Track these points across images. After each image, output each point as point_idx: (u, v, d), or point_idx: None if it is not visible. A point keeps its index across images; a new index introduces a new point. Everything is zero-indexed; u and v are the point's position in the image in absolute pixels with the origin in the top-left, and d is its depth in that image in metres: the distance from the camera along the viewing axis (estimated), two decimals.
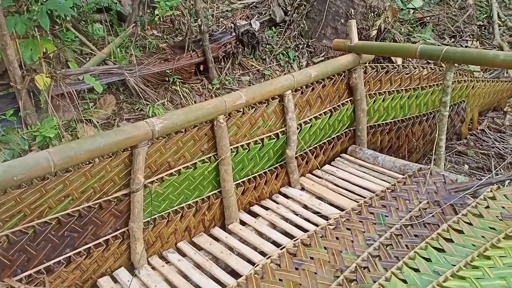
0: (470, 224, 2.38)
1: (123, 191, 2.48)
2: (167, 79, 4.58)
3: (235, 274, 2.53)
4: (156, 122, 2.38)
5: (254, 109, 2.94)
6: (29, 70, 3.70)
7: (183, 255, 2.71)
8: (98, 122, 4.01)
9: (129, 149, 2.41)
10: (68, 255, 2.37)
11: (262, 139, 3.06)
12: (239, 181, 3.02)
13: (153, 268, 2.61)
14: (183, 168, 2.70)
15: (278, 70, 5.22)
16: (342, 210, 2.91)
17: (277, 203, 3.15)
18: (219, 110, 2.66)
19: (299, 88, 3.16)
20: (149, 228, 2.65)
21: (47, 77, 3.54)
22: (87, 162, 2.30)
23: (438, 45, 5.74)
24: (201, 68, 4.87)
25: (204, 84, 4.89)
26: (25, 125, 3.64)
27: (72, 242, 2.38)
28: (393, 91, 3.63)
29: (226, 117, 2.78)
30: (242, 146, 2.95)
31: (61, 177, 2.23)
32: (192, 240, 2.85)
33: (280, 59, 5.25)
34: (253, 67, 5.15)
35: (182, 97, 4.68)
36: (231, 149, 2.85)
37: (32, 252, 2.24)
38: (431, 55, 3.17)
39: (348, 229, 2.55)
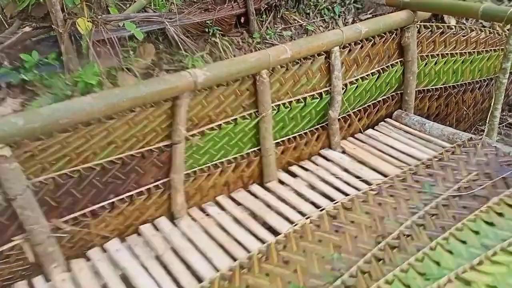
0: None
1: (165, 142, 2.47)
2: (207, 30, 4.44)
3: (273, 231, 2.52)
4: (199, 73, 2.31)
5: (298, 65, 2.83)
6: (70, 13, 3.64)
7: (223, 208, 2.72)
8: (138, 71, 3.98)
9: (171, 100, 2.37)
10: (111, 201, 2.42)
11: (304, 98, 2.96)
12: (279, 140, 2.96)
13: (193, 219, 2.64)
14: (223, 123, 2.66)
15: (322, 26, 4.98)
16: (385, 176, 2.83)
17: (317, 165, 3.09)
18: (263, 64, 2.56)
19: (347, 45, 3.00)
20: (190, 180, 2.65)
21: (88, 21, 3.49)
22: (130, 111, 2.29)
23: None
24: (242, 20, 4.70)
25: (244, 37, 4.74)
26: (67, 70, 3.65)
27: (115, 189, 2.41)
28: (447, 54, 3.42)
29: (270, 72, 2.68)
30: (283, 104, 2.87)
31: (105, 124, 2.23)
32: (230, 195, 2.85)
33: (324, 14, 5.00)
34: (296, 21, 4.93)
35: (222, 50, 4.57)
36: (272, 106, 2.77)
37: (78, 196, 2.29)
38: (494, 16, 2.92)
39: (391, 195, 2.48)
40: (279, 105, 2.85)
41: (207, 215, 2.67)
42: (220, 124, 2.66)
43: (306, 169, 3.04)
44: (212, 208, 2.71)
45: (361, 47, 3.08)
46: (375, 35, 3.08)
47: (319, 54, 2.89)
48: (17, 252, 2.15)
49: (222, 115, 2.64)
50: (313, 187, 2.88)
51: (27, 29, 3.64)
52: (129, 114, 2.28)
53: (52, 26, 3.56)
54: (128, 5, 4.65)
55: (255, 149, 2.87)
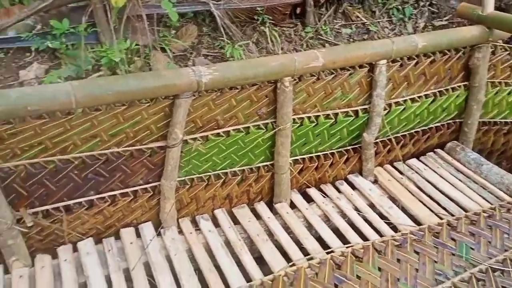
0: None
1: (159, 143, 2.17)
2: (256, 17, 4.07)
3: (264, 264, 2.16)
4: (204, 73, 1.96)
5: (333, 75, 2.38)
6: None
7: (217, 225, 2.39)
8: (173, 53, 3.71)
9: (171, 97, 2.04)
10: (90, 198, 2.18)
11: (336, 114, 2.51)
12: (298, 157, 2.55)
13: (180, 232, 2.34)
14: (233, 130, 2.30)
15: (387, 28, 4.41)
16: (416, 223, 2.34)
17: (340, 191, 2.64)
18: (286, 71, 2.14)
19: (399, 59, 2.48)
20: (185, 188, 2.35)
21: None
22: (121, 104, 2.00)
23: None
24: (298, 11, 4.26)
25: (297, 30, 4.30)
26: (98, 42, 3.46)
27: (96, 186, 2.17)
28: None
29: (294, 80, 2.26)
30: (308, 118, 2.44)
31: (88, 115, 1.96)
32: (231, 209, 2.51)
33: (393, 14, 4.41)
34: (358, 19, 4.40)
35: (270, 41, 4.18)
36: (294, 119, 2.36)
37: (52, 188, 2.07)
38: None
39: (416, 252, 2.01)
40: (302, 118, 2.44)
41: (197, 229, 2.35)
42: (229, 131, 2.30)
43: (325, 195, 2.61)
44: (205, 222, 2.38)
45: (416, 63, 2.54)
46: (435, 51, 2.52)
47: (360, 66, 2.42)
48: None
49: (232, 121, 2.29)
50: (327, 219, 2.45)
51: None
52: (119, 107, 2.00)
53: None
54: None
55: (268, 163, 2.49)
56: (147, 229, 2.32)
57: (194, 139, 2.24)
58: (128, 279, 2.06)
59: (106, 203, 2.20)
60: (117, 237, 2.29)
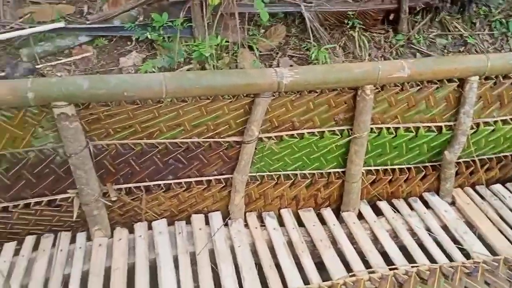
0: None
1: (236, 138, 2.26)
2: (346, 21, 4.02)
3: (324, 269, 2.16)
4: (286, 74, 2.01)
5: (418, 88, 2.29)
6: None
7: (281, 224, 2.44)
8: (259, 51, 3.81)
9: (252, 96, 2.12)
10: (169, 181, 2.34)
11: (417, 128, 2.41)
12: (372, 168, 2.50)
13: (246, 225, 2.42)
14: (307, 133, 2.32)
15: (487, 41, 4.11)
16: (492, 253, 2.18)
17: (412, 209, 2.55)
18: (369, 79, 2.11)
19: (493, 76, 2.32)
20: (255, 184, 2.42)
21: None
22: (206, 98, 2.11)
23: None
24: (391, 18, 4.13)
25: (388, 36, 4.17)
26: (192, 37, 3.66)
27: (175, 171, 2.32)
28: None
29: (377, 88, 2.22)
30: (387, 129, 2.38)
31: (176, 105, 2.10)
32: (297, 211, 2.53)
33: (495, 28, 4.09)
34: (456, 29, 4.15)
35: (357, 46, 4.11)
36: (371, 128, 2.32)
37: (136, 168, 2.25)
38: None
39: (487, 283, 1.91)
40: (381, 128, 2.38)
41: (262, 225, 2.41)
42: (303, 134, 2.33)
43: (396, 210, 2.53)
44: (271, 220, 2.44)
45: None
46: None
47: (449, 80, 2.30)
48: (68, 204, 2.22)
49: (307, 124, 2.31)
50: (395, 235, 2.38)
51: None
52: (203, 100, 2.12)
53: None
54: None
55: (339, 170, 2.48)
56: (216, 218, 2.43)
57: (269, 137, 2.30)
58: (193, 263, 2.18)
59: (182, 188, 2.35)
60: (188, 221, 2.43)
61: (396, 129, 2.40)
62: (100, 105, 2.01)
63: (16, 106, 1.89)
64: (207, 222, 2.43)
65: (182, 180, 2.34)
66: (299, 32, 4.20)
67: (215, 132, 2.23)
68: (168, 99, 2.07)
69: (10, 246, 2.22)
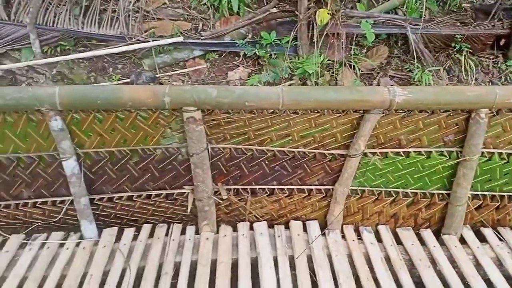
0: None
1: (341, 151, 2.35)
2: (453, 45, 3.95)
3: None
4: (399, 93, 2.07)
5: None
6: (316, 2, 3.78)
7: (378, 240, 2.46)
8: (360, 71, 3.88)
9: (362, 112, 2.21)
10: (272, 187, 2.49)
11: None
12: (479, 192, 2.44)
13: (343, 237, 2.49)
14: (414, 151, 2.34)
15: None
16: None
17: None
18: (484, 102, 2.09)
19: None
20: (355, 198, 2.49)
21: (328, 13, 3.55)
22: (316, 111, 2.24)
23: None
24: (501, 43, 3.98)
25: (497, 62, 4.02)
26: (296, 54, 3.85)
27: (279, 178, 2.47)
28: None
29: (491, 112, 2.18)
30: (499, 154, 2.32)
31: (288, 116, 2.25)
32: (395, 229, 2.54)
33: None
34: None
35: (463, 70, 4.00)
36: (482, 152, 2.27)
37: (245, 172, 2.44)
38: None
39: None
40: (493, 153, 2.33)
41: (359, 239, 2.46)
42: (409, 152, 2.35)
43: (502, 238, 2.43)
44: (368, 234, 2.48)
45: None
46: None
47: None
48: (183, 198, 2.47)
49: (414, 142, 2.33)
50: (499, 263, 2.29)
51: (274, 10, 3.98)
52: (313, 113, 2.25)
53: (296, 11, 3.79)
54: (381, 3, 4.53)
55: (443, 192, 2.45)
56: (313, 226, 2.53)
57: (374, 153, 2.36)
58: (291, 266, 2.29)
59: (284, 194, 2.49)
60: (286, 226, 2.56)
61: (509, 155, 2.32)
62: (222, 112, 2.22)
63: (152, 108, 2.17)
64: (304, 229, 2.53)
65: (285, 187, 2.48)
66: (402, 53, 4.21)
67: (320, 144, 2.35)
68: (282, 110, 2.23)
69: (129, 232, 2.51)
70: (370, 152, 2.35)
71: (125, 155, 2.33)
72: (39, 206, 2.44)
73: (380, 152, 2.35)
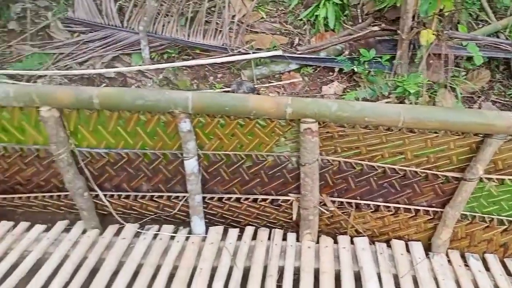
0: None
1: (455, 174, 2.32)
2: None
3: None
4: None
5: None
6: (419, 23, 3.76)
7: (486, 268, 2.39)
8: (461, 94, 3.79)
9: (482, 136, 2.17)
10: (378, 203, 2.51)
11: None
12: None
13: (449, 261, 2.44)
14: None
15: None
16: None
17: None
18: None
19: None
20: (464, 223, 2.44)
21: (432, 34, 3.52)
22: (434, 132, 2.24)
23: None
24: None
25: None
26: (394, 73, 3.84)
27: (386, 195, 2.48)
28: None
29: None
30: None
31: (403, 134, 2.26)
32: (503, 259, 2.46)
33: None
34: None
35: None
36: None
37: (352, 185, 2.48)
38: None
39: None
40: None
41: (466, 265, 2.40)
42: None
43: None
44: (475, 262, 2.42)
45: None
46: None
47: None
48: (287, 205, 2.56)
49: None
50: None
51: (375, 28, 4.01)
52: (430, 133, 2.24)
53: (397, 30, 3.79)
54: (481, 26, 4.42)
55: None
56: (417, 247, 2.51)
57: (489, 179, 2.30)
58: (395, 284, 2.29)
59: (390, 212, 2.50)
60: (388, 244, 2.56)
61: None
62: (337, 125, 2.29)
63: (272, 118, 2.28)
64: (407, 249, 2.52)
65: (391, 205, 2.49)
66: (504, 78, 4.06)
67: (434, 164, 2.33)
68: (398, 128, 2.25)
69: (234, 232, 2.64)
70: (486, 178, 2.30)
71: (239, 159, 2.46)
72: (155, 199, 2.64)
73: (496, 179, 2.30)
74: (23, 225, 2.73)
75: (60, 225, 2.73)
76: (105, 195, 2.63)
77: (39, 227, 2.71)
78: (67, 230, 2.70)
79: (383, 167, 2.38)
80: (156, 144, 2.45)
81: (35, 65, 4.11)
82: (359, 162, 2.40)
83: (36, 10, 4.81)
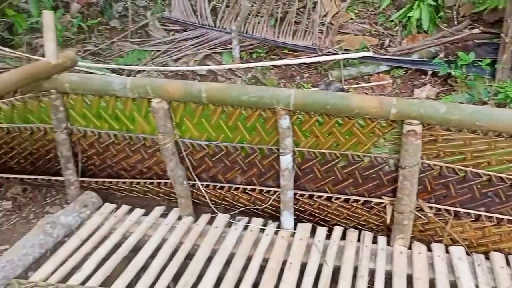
0: None
1: None
2: None
3: None
4: None
5: None
6: None
7: None
8: None
9: None
10: (479, 213, 2.39)
11: None
12: None
13: None
14: None
15: None
16: None
17: None
18: None
19: None
20: None
21: None
22: None
23: None
24: None
25: None
26: (494, 78, 3.64)
27: (489, 204, 2.36)
28: None
29: None
30: None
31: None
32: None
33: None
34: None
35: None
36: None
37: (451, 192, 2.39)
38: None
39: None
40: None
41: None
42: None
43: None
44: None
45: None
46: None
47: None
48: (380, 208, 2.52)
49: None
50: None
51: (475, 31, 3.82)
52: None
53: (500, 34, 3.59)
54: None
55: None
56: None
57: None
58: None
59: (491, 223, 2.37)
60: (486, 256, 2.43)
61: None
62: (442, 128, 2.22)
63: (373, 118, 2.26)
64: (507, 263, 2.38)
65: (494, 215, 2.36)
66: None
67: None
68: (510, 135, 2.13)
69: (323, 230, 2.65)
70: None
71: (334, 158, 2.47)
72: (248, 192, 2.74)
73: None
74: (124, 208, 2.95)
75: (158, 210, 2.91)
76: (201, 185, 2.77)
77: (138, 211, 2.91)
78: (163, 215, 2.88)
79: (488, 174, 2.27)
80: (254, 139, 2.54)
81: (134, 61, 4.44)
82: (463, 168, 2.30)
83: (135, 9, 5.19)
